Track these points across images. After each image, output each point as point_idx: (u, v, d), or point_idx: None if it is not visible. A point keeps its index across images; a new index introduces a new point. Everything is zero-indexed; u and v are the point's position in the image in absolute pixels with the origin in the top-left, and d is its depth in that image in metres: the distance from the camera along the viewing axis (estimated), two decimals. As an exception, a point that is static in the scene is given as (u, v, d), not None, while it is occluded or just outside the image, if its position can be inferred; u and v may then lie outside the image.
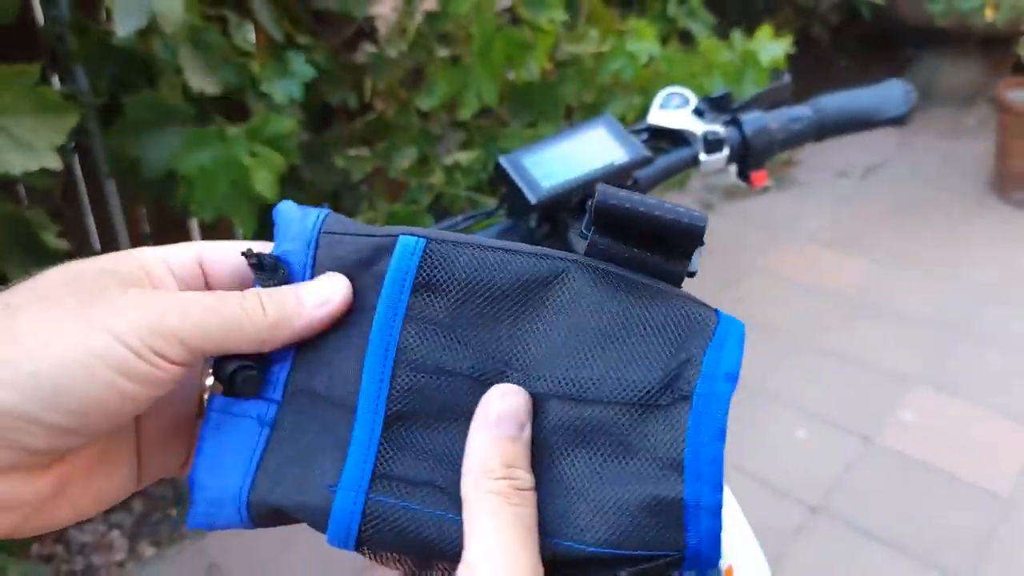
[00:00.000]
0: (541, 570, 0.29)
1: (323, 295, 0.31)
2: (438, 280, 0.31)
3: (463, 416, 0.31)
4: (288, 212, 0.34)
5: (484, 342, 0.31)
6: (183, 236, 1.97)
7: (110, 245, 1.56)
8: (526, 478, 0.29)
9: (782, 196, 2.96)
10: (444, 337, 0.31)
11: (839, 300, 2.38)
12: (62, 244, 1.29)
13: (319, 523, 0.30)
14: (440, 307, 0.31)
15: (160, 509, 1.75)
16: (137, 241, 1.77)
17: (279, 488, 0.31)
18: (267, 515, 0.31)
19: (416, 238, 0.32)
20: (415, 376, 0.31)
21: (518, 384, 0.31)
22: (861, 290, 2.42)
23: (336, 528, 0.30)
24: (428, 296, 0.32)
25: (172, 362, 0.28)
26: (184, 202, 1.32)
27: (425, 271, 0.32)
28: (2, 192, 1.27)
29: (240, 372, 0.31)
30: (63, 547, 1.65)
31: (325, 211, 0.33)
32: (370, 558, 0.31)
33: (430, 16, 1.64)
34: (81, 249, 1.63)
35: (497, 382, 0.31)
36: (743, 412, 1.96)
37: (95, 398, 0.27)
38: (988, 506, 1.70)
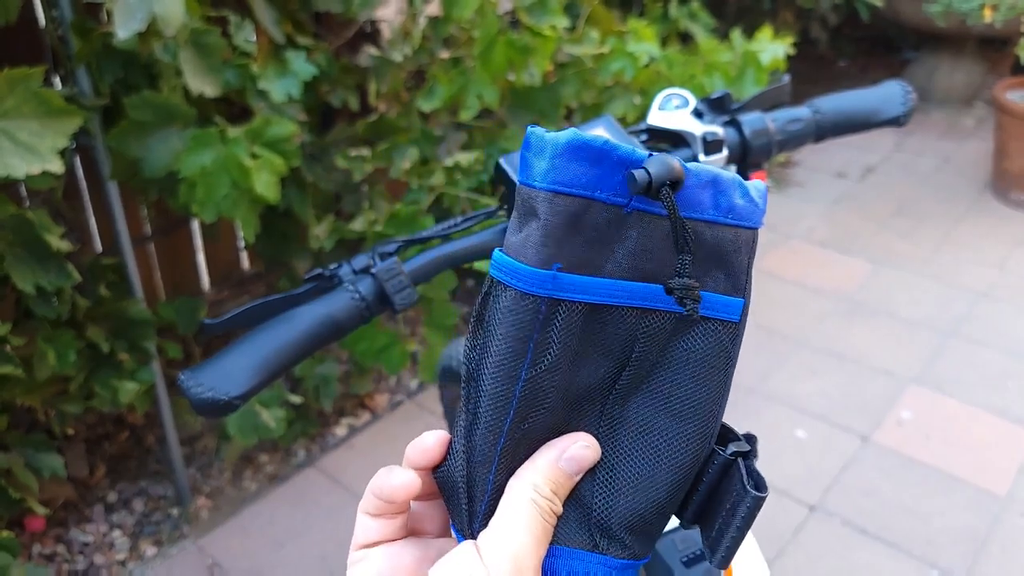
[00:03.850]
0: (539, 572, 0.34)
1: None
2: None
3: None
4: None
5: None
6: (184, 236, 1.97)
7: (112, 246, 1.56)
8: (560, 507, 0.36)
9: (781, 196, 2.96)
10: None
11: (838, 300, 2.38)
12: (65, 245, 1.29)
13: None
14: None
15: (161, 509, 1.75)
16: (139, 242, 1.78)
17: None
18: None
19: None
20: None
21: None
22: (860, 290, 2.43)
23: None
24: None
25: None
26: (185, 202, 1.32)
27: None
28: (5, 194, 1.27)
29: None
30: (65, 547, 1.65)
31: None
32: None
33: (434, 20, 1.64)
34: (83, 250, 1.64)
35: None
36: (743, 412, 1.97)
37: None
38: (985, 505, 1.71)
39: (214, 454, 1.87)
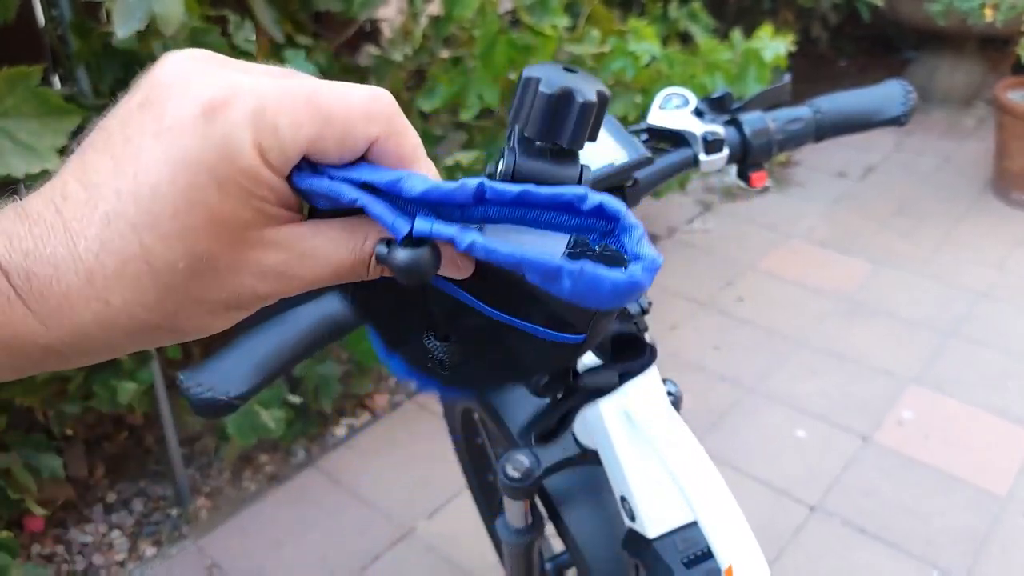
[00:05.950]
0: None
1: None
2: None
3: None
4: None
5: None
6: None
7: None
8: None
9: (781, 196, 2.96)
10: None
11: (838, 300, 2.38)
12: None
13: None
14: None
15: (161, 509, 1.75)
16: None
17: None
18: None
19: None
20: None
21: None
22: (860, 290, 2.42)
23: None
24: None
25: None
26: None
27: None
28: (5, 193, 1.27)
29: None
30: (64, 547, 1.65)
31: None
32: None
33: (434, 20, 1.64)
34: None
35: None
36: (742, 411, 1.97)
37: None
38: (985, 505, 1.71)
39: (214, 454, 1.87)
